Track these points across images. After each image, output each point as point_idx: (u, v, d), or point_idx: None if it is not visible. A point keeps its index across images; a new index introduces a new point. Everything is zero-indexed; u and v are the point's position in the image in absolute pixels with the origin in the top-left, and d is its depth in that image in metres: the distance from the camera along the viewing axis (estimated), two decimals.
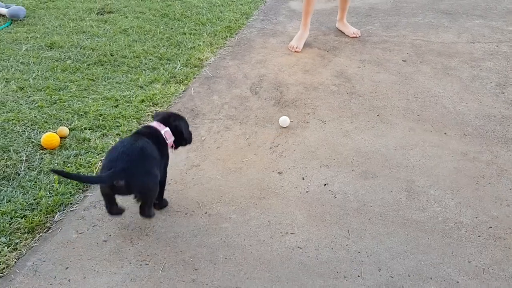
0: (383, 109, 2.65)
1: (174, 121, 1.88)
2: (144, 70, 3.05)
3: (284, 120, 2.49)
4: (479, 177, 2.11)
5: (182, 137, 1.90)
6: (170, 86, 2.86)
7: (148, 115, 2.58)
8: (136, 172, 1.64)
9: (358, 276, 1.64)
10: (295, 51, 3.37)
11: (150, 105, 2.66)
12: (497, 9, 4.13)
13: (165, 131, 1.83)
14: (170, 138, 1.84)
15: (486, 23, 3.82)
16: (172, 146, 1.89)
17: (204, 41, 3.50)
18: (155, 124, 1.86)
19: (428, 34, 3.62)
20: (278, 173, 2.16)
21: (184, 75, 3.00)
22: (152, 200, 1.77)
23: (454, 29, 3.70)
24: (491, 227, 1.84)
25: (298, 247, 1.76)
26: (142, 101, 2.68)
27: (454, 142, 2.35)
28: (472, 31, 3.65)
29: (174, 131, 1.86)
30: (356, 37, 3.57)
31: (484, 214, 1.90)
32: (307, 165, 2.20)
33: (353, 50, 3.38)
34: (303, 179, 2.12)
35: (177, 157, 2.24)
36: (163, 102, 2.70)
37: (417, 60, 3.21)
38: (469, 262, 1.69)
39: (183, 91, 2.84)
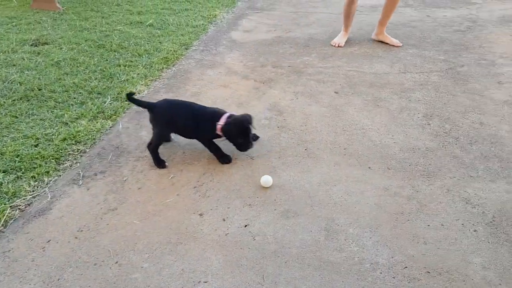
0: (311, 143, 2.65)
1: (228, 124, 2.36)
2: (72, 105, 2.96)
3: (267, 180, 2.27)
4: (399, 213, 2.12)
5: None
6: (97, 122, 2.77)
7: (69, 154, 2.48)
8: None
9: None
10: (339, 46, 4.03)
11: (72, 144, 2.57)
12: (431, 38, 4.28)
13: (219, 123, 2.35)
14: (220, 131, 2.37)
15: (419, 52, 3.94)
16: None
17: (138, 73, 3.44)
18: (225, 115, 2.37)
19: (362, 64, 3.69)
20: (199, 214, 2.11)
21: (113, 110, 2.93)
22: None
23: (388, 59, 3.79)
24: (406, 267, 1.84)
25: None
26: (64, 139, 2.58)
27: (377, 177, 2.37)
28: (405, 61, 3.75)
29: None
30: (399, 46, 4.03)
31: (400, 253, 1.90)
32: (230, 205, 2.16)
33: (288, 82, 3.40)
34: (224, 220, 2.07)
35: (93, 200, 2.15)
36: (87, 139, 2.61)
37: (349, 91, 3.26)
38: None
39: (110, 127, 2.76)
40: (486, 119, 2.88)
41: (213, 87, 3.32)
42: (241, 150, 2.43)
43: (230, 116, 2.36)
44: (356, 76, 3.49)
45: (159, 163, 2.43)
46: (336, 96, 3.19)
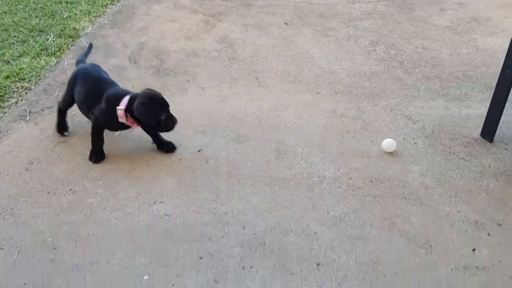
0: (262, 73, 2.68)
1: (137, 106, 1.87)
2: (13, 43, 2.83)
3: (390, 144, 2.05)
4: (345, 132, 2.22)
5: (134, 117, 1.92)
6: (41, 59, 2.68)
7: (14, 91, 2.41)
8: None
9: (222, 237, 1.68)
10: None
11: (16, 81, 2.48)
12: None
13: (120, 108, 1.89)
14: (122, 118, 1.91)
15: None
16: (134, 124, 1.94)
17: (81, 10, 3.30)
18: (125, 98, 1.90)
19: None
20: (152, 143, 2.12)
21: (57, 47, 2.83)
22: None
23: None
24: (351, 178, 1.95)
25: (165, 215, 1.76)
26: (7, 77, 2.49)
27: (325, 101, 2.44)
28: None
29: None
30: None
31: (345, 167, 2.01)
32: (182, 133, 2.19)
33: (238, 15, 3.36)
34: (177, 148, 2.10)
35: (42, 134, 2.12)
36: (31, 76, 2.53)
37: (299, 22, 3.27)
38: (327, 212, 1.79)
39: (55, 64, 2.68)
40: (429, 43, 2.98)
41: (160, 22, 3.24)
42: (167, 130, 1.95)
43: (134, 96, 1.89)
44: (306, 7, 3.49)
45: (58, 126, 2.11)
46: (286, 27, 3.20)
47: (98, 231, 1.68)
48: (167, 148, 2.06)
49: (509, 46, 1.97)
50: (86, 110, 2.00)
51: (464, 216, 1.77)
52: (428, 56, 2.85)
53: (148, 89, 1.97)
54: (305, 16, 3.36)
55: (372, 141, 2.16)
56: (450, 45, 2.97)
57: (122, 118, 1.90)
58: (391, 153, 2.07)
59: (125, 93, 1.93)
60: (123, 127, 1.97)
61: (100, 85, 1.99)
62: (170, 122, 1.92)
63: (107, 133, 2.09)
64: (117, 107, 1.88)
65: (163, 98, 1.92)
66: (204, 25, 3.21)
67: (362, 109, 2.38)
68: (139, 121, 1.90)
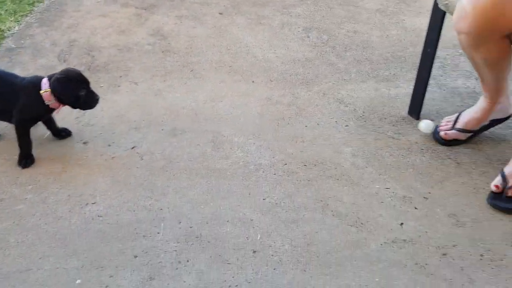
0: (197, 64, 2.66)
1: (54, 83, 1.84)
2: None
3: (427, 125, 2.06)
4: (280, 119, 2.24)
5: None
6: None
7: None
8: None
9: (158, 233, 1.67)
10: None
11: None
12: None
13: (45, 89, 1.84)
14: (49, 100, 1.85)
15: None
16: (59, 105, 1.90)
17: (7, 10, 3.15)
18: (44, 80, 1.86)
19: None
20: (83, 143, 2.07)
21: None
22: None
23: None
24: (286, 163, 1.98)
25: (98, 216, 1.73)
26: None
27: (260, 89, 2.46)
28: None
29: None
30: None
31: (281, 153, 2.04)
32: (115, 131, 2.14)
33: (171, 7, 3.31)
34: (110, 145, 2.06)
35: None
36: None
37: (233, 11, 3.26)
38: (263, 199, 1.81)
39: None
40: (360, 27, 3.06)
41: (91, 17, 3.14)
42: (88, 106, 1.93)
43: (51, 76, 1.86)
44: None
45: None
46: (221, 17, 3.18)
47: (27, 238, 1.63)
48: (65, 133, 2.07)
49: (429, 26, 2.05)
50: (3, 112, 1.91)
51: (393, 192, 1.84)
52: (359, 39, 2.92)
53: (66, 68, 1.95)
54: (239, 5, 3.35)
55: (306, 126, 2.20)
56: (380, 27, 3.06)
57: (49, 100, 1.85)
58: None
59: (40, 77, 1.89)
60: (50, 111, 1.92)
61: (6, 81, 1.89)
62: (90, 98, 1.90)
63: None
64: (41, 92, 1.84)
65: (81, 74, 1.88)
66: (137, 18, 3.15)
67: (296, 95, 2.42)
68: (61, 100, 1.87)
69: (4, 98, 1.88)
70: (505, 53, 1.74)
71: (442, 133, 2.02)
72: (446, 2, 1.85)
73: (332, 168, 1.95)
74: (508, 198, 1.73)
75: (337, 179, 1.90)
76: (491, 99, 1.96)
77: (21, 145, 1.94)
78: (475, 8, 1.59)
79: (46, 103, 1.86)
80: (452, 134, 2.02)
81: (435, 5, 1.95)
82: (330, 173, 1.93)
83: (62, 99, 1.88)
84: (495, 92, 1.94)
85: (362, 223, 1.71)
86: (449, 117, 2.08)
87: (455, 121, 2.01)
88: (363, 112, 2.28)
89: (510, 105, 2.02)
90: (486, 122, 2.02)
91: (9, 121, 1.96)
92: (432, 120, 2.12)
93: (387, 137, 2.12)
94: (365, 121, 2.22)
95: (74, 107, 1.94)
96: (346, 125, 2.20)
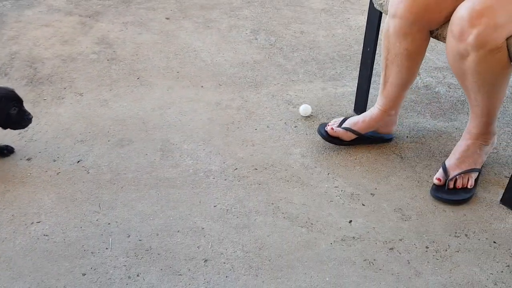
0: (144, 71, 2.62)
1: None
2: None
3: (304, 109, 2.25)
4: (230, 123, 2.24)
5: None
6: None
7: None
8: None
9: (106, 249, 1.63)
10: None
11: None
12: None
13: None
14: None
15: None
16: None
17: None
18: None
19: None
20: (27, 159, 2.00)
21: None
22: None
23: None
24: (236, 168, 1.98)
25: (44, 235, 1.67)
26: None
27: (210, 94, 2.45)
28: None
29: None
30: None
31: (231, 158, 2.04)
32: (60, 145, 2.08)
33: (116, 13, 3.25)
34: (55, 161, 2.00)
35: None
36: None
37: (180, 16, 3.23)
38: (214, 206, 1.81)
39: None
40: (306, 27, 3.09)
41: (33, 28, 3.04)
42: (20, 126, 1.89)
43: None
44: (187, 0, 3.45)
45: None
46: (168, 22, 3.15)
47: None
48: (7, 150, 1.99)
49: (366, 25, 2.09)
50: None
51: (341, 191, 1.87)
52: (305, 39, 2.95)
53: None
54: (186, 9, 3.33)
55: (256, 129, 2.21)
56: (325, 26, 3.11)
57: None
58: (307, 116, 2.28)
59: None
60: None
61: None
62: (22, 117, 1.86)
63: None
64: None
65: (14, 92, 1.84)
66: (81, 27, 3.07)
67: (245, 98, 2.42)
68: None
69: None
70: (424, 46, 1.81)
71: (328, 128, 2.00)
72: (381, 1, 1.90)
73: (282, 170, 1.97)
74: (449, 190, 1.80)
75: (287, 181, 1.91)
76: (383, 107, 1.99)
77: None
78: None
79: None
80: (338, 131, 2.00)
81: (371, 5, 2.00)
82: (280, 175, 1.94)
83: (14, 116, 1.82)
84: (392, 100, 1.95)
85: (312, 223, 1.73)
86: (338, 118, 2.10)
87: (343, 121, 2.04)
88: (311, 112, 2.31)
89: (395, 123, 2.05)
90: (370, 132, 2.03)
91: None
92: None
93: None
94: (313, 121, 2.25)
95: (4, 127, 1.88)
96: (295, 126, 2.22)
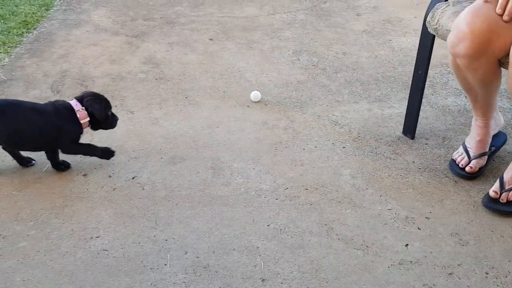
0: (191, 91, 2.68)
1: (88, 102, 1.98)
2: None
3: (255, 95, 2.56)
4: (277, 143, 2.27)
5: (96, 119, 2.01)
6: None
7: None
8: None
9: (165, 265, 1.66)
10: None
11: None
12: None
13: (79, 109, 1.97)
14: (84, 118, 1.97)
15: None
16: (88, 126, 2.02)
17: None
18: (73, 102, 1.98)
19: (233, 9, 3.74)
20: (83, 175, 2.06)
21: None
22: None
23: (257, 2, 3.88)
24: (287, 188, 2.00)
25: (103, 250, 1.71)
26: None
27: (256, 114, 2.49)
28: (273, 3, 3.87)
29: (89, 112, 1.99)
30: None
31: (281, 177, 2.06)
32: (114, 161, 2.14)
33: (161, 34, 3.34)
34: (110, 176, 2.06)
35: None
36: None
37: (223, 37, 3.30)
38: (268, 225, 1.82)
39: None
40: (348, 48, 3.12)
41: (81, 46, 3.15)
42: (112, 126, 2.10)
43: (80, 98, 2.00)
44: (229, 21, 3.53)
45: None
46: (211, 43, 3.22)
47: (33, 276, 1.61)
48: (64, 166, 2.08)
49: (418, 48, 2.11)
50: (49, 139, 1.98)
51: (395, 213, 1.87)
52: (348, 60, 2.98)
53: (86, 91, 2.09)
54: (228, 30, 3.40)
55: (303, 149, 2.23)
56: (367, 48, 3.13)
57: (84, 118, 1.97)
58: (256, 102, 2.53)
59: (64, 101, 2.01)
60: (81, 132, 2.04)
61: (33, 109, 1.96)
62: (114, 118, 2.10)
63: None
64: (77, 110, 1.96)
65: (105, 97, 2.08)
66: (128, 46, 3.17)
67: (291, 118, 2.45)
68: (90, 120, 2.00)
69: (37, 126, 1.93)
70: (498, 71, 1.81)
71: (467, 168, 1.99)
72: (436, 26, 1.91)
73: (333, 191, 1.97)
74: (504, 203, 1.80)
75: (339, 202, 1.92)
76: (483, 116, 2.01)
77: (89, 153, 2.07)
78: (473, 32, 1.64)
79: (82, 121, 1.98)
80: (475, 164, 1.99)
81: (424, 28, 2.01)
82: (331, 196, 1.95)
83: (97, 116, 2.00)
84: (488, 108, 1.99)
85: (367, 246, 1.73)
86: (456, 152, 2.09)
87: (466, 152, 2.03)
88: (359, 133, 2.32)
89: (500, 116, 2.09)
90: (489, 142, 2.05)
91: (43, 149, 2.03)
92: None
93: (385, 158, 2.16)
94: (361, 142, 2.26)
95: (97, 127, 2.07)
96: (343, 147, 2.23)
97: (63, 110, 1.96)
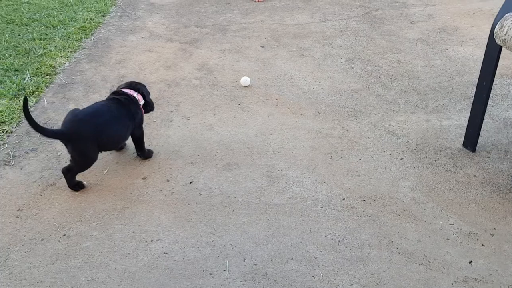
0: (244, 98, 2.71)
1: (139, 87, 2.21)
2: None
3: (245, 80, 2.77)
4: (332, 152, 2.25)
5: (146, 103, 2.22)
6: (19, 100, 2.64)
7: None
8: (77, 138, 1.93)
9: (224, 271, 1.67)
10: (259, 1, 4.03)
11: None
12: None
13: (137, 94, 2.16)
14: (141, 101, 2.18)
15: (336, 0, 4.06)
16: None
17: (56, 46, 3.27)
18: (126, 90, 2.15)
19: (284, 17, 3.75)
20: (142, 178, 2.11)
21: (35, 86, 2.79)
22: (79, 169, 2.02)
23: (308, 10, 3.88)
24: (344, 198, 1.98)
25: (164, 253, 1.75)
26: None
27: (310, 122, 2.48)
28: (324, 10, 3.86)
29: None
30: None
31: (337, 188, 2.04)
32: (172, 166, 2.18)
33: (214, 41, 3.39)
34: (168, 180, 2.10)
35: (29, 179, 2.09)
36: (11, 119, 2.49)
37: (275, 44, 3.32)
38: (325, 236, 1.81)
39: (35, 104, 2.64)
40: (403, 57, 3.07)
41: (137, 52, 3.24)
42: (152, 109, 2.29)
43: (136, 87, 2.18)
44: (280, 28, 3.55)
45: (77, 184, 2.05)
46: (263, 50, 3.24)
47: (97, 276, 1.66)
48: (148, 152, 2.24)
49: (484, 59, 2.05)
50: (127, 131, 2.12)
51: (457, 229, 1.81)
52: (403, 69, 2.93)
53: (124, 82, 2.30)
54: (279, 37, 3.41)
55: (360, 159, 2.20)
56: (423, 57, 3.07)
57: (141, 102, 2.18)
58: (246, 85, 2.75)
59: (121, 91, 2.16)
60: None
61: (109, 104, 2.08)
62: (152, 104, 2.31)
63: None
64: (136, 96, 2.15)
65: None
66: (182, 53, 3.23)
67: (346, 127, 2.43)
68: (145, 106, 2.21)
69: (131, 118, 2.10)
70: None
71: None
72: (504, 37, 1.85)
73: (392, 203, 1.94)
74: None
75: (399, 215, 1.88)
76: None
77: (143, 140, 2.22)
78: None
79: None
80: None
81: (491, 39, 1.95)
82: (390, 208, 1.92)
83: (149, 102, 2.23)
84: None
85: (429, 261, 1.68)
86: None
87: None
88: (417, 144, 2.27)
89: None
90: None
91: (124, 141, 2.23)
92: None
93: (445, 171, 2.10)
94: (420, 154, 2.21)
95: (145, 109, 2.23)
96: (401, 158, 2.19)
97: (129, 100, 2.12)
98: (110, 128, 2.01)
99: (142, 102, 2.17)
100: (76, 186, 2.03)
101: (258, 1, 4.08)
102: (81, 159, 1.99)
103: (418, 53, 3.11)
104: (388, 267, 1.67)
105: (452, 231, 1.80)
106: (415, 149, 2.24)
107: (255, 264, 1.70)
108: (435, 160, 2.17)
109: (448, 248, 1.73)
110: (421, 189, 2.00)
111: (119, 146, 2.25)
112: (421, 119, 2.46)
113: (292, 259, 1.72)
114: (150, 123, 2.48)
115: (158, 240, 1.80)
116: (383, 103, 2.61)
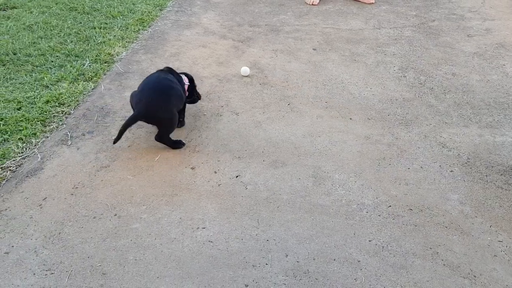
0: (294, 98, 2.73)
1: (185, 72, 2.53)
2: (50, 68, 2.92)
3: (245, 71, 2.92)
4: (381, 159, 2.24)
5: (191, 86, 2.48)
6: (78, 84, 2.76)
7: (54, 116, 2.48)
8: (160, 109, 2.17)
9: (266, 264, 1.70)
10: (313, 4, 4.08)
11: (56, 106, 2.55)
12: None
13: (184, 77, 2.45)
14: (186, 82, 2.44)
15: (391, 8, 4.02)
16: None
17: (115, 35, 3.40)
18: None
19: (337, 21, 3.75)
20: (191, 168, 2.17)
21: (94, 72, 2.91)
22: (169, 132, 2.27)
23: (362, 16, 3.86)
24: (390, 206, 1.97)
25: (209, 241, 1.79)
26: (47, 101, 2.57)
27: (359, 127, 2.47)
28: (379, 17, 3.83)
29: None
30: (372, 3, 4.12)
31: (384, 194, 2.03)
32: (220, 158, 2.23)
33: (266, 40, 3.43)
34: (216, 172, 2.14)
35: (84, 159, 2.18)
36: (71, 101, 2.60)
37: (327, 48, 3.32)
38: (369, 241, 1.80)
39: (93, 89, 2.75)
40: (458, 70, 3.01)
41: (191, 47, 3.32)
42: (196, 100, 2.55)
43: (181, 73, 2.51)
44: (333, 33, 3.55)
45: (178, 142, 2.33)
46: (315, 53, 3.26)
47: (144, 257, 1.72)
48: (180, 124, 2.44)
49: None
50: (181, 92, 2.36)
51: (506, 246, 1.77)
52: (458, 82, 2.87)
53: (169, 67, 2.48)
54: (332, 41, 3.41)
55: (408, 168, 2.18)
56: (479, 71, 3.00)
57: (186, 82, 2.44)
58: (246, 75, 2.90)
59: (170, 69, 2.44)
60: None
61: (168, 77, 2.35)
62: (198, 96, 2.58)
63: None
64: (181, 74, 2.46)
65: None
66: (234, 50, 3.28)
67: (396, 135, 2.41)
68: (190, 92, 2.47)
69: (182, 93, 2.38)
70: None
71: None
72: None
73: (439, 215, 1.91)
74: None
75: (446, 227, 1.85)
76: None
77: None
78: None
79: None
80: None
81: None
82: (437, 219, 1.89)
83: (191, 90, 2.48)
84: None
85: (475, 276, 1.65)
86: None
87: None
88: (468, 158, 2.23)
89: None
90: None
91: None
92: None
93: (496, 187, 2.05)
94: (470, 168, 2.17)
95: (188, 97, 2.46)
96: (451, 171, 2.15)
97: (178, 76, 2.41)
98: (172, 89, 2.26)
99: (187, 83, 2.42)
100: (179, 143, 2.29)
101: (312, 4, 4.10)
102: (167, 126, 2.25)
103: (474, 67, 3.04)
104: (432, 277, 1.65)
105: (500, 248, 1.76)
106: (466, 162, 2.20)
107: (297, 261, 1.72)
108: (486, 176, 2.12)
109: (496, 264, 1.69)
110: (470, 203, 1.96)
111: (182, 106, 2.37)
112: (474, 133, 2.41)
113: (334, 260, 1.72)
114: (201, 116, 2.54)
115: (204, 228, 1.85)
116: (435, 114, 2.57)
